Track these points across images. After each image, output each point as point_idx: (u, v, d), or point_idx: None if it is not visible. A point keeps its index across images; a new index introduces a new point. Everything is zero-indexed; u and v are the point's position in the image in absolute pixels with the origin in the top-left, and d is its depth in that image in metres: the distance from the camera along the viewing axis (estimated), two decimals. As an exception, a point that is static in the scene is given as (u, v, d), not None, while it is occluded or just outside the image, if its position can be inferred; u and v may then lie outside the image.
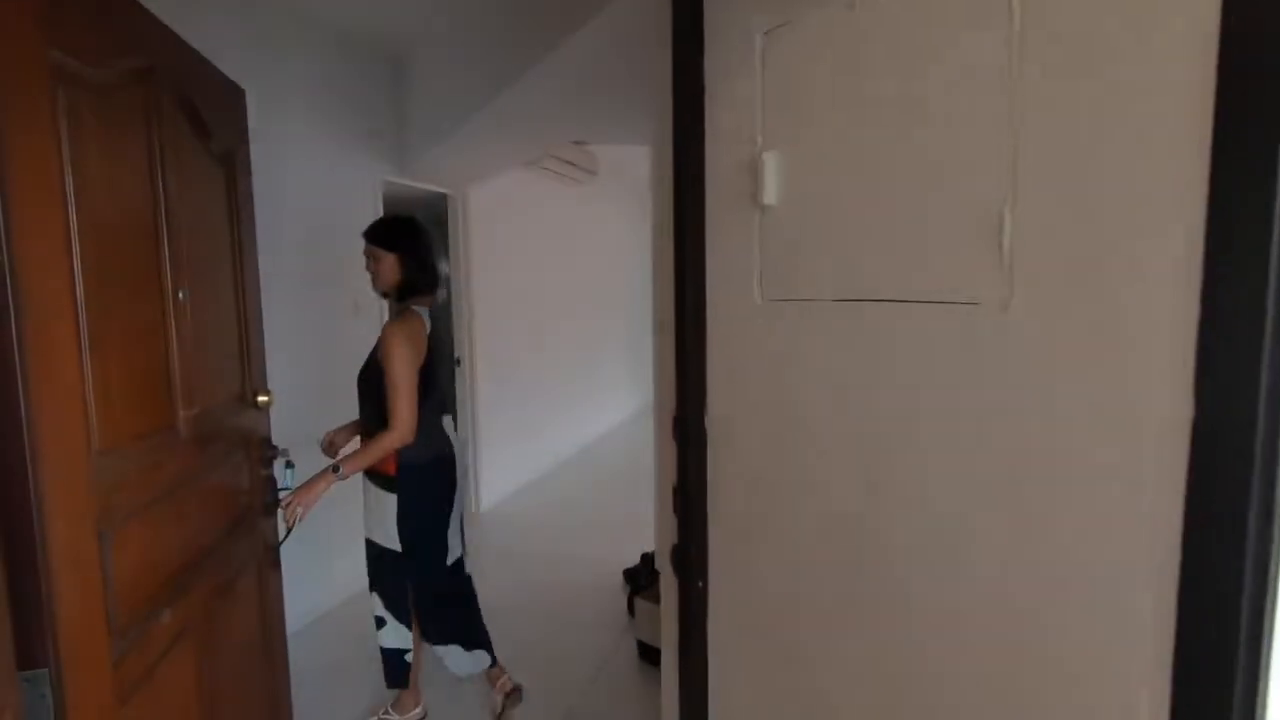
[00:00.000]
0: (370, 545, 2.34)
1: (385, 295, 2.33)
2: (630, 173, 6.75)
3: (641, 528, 4.25)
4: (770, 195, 1.13)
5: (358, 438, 2.37)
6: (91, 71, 1.15)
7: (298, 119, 3.14)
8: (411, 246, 2.26)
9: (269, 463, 1.92)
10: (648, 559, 3.51)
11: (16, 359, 0.98)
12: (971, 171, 0.86)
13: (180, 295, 1.41)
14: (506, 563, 4.13)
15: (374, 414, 2.23)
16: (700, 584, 1.36)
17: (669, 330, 1.36)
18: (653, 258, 3.53)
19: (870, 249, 0.99)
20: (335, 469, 2.09)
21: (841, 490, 1.07)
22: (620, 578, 3.70)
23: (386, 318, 2.42)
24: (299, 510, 2.01)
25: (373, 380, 2.21)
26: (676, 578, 1.42)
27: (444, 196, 4.47)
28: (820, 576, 1.13)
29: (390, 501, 2.25)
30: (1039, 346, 0.81)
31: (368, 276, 2.32)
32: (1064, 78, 0.78)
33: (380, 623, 2.37)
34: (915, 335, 0.93)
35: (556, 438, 6.18)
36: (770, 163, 1.12)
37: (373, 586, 2.37)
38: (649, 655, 2.86)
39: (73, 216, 1.08)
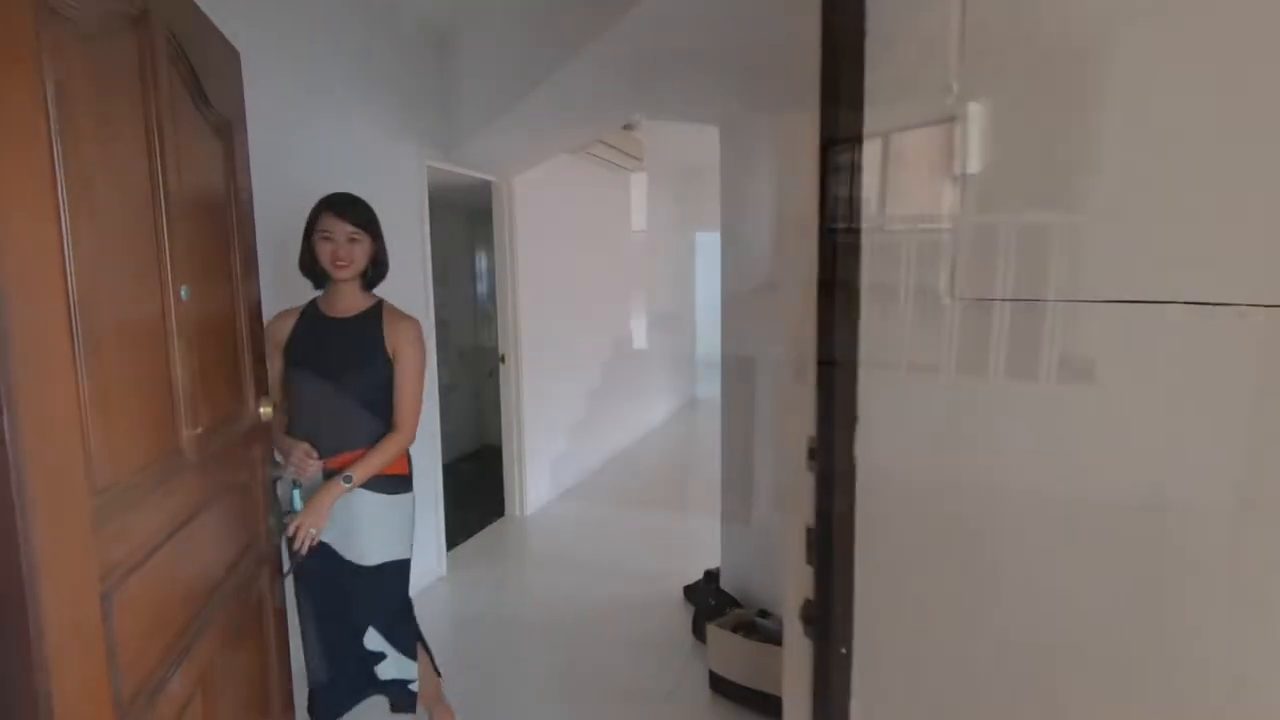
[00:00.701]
0: (366, 571, 1.97)
1: (318, 285, 1.99)
2: (676, 160, 6.48)
3: (695, 537, 4.01)
4: (973, 160, 0.85)
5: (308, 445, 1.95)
6: (77, 8, 0.90)
7: (338, 101, 2.91)
8: (380, 229, 2.00)
9: (273, 483, 1.68)
10: (711, 577, 3.24)
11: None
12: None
13: (182, 293, 1.18)
14: (552, 572, 3.91)
15: (372, 415, 1.94)
16: (843, 651, 1.10)
17: (803, 346, 1.09)
18: (722, 248, 3.27)
19: (1164, 229, 0.69)
20: (347, 479, 1.85)
21: (1071, 580, 0.78)
22: (679, 593, 3.44)
23: (321, 303, 2.00)
24: (311, 533, 1.79)
25: (378, 378, 1.94)
26: (810, 639, 1.15)
27: (488, 184, 4.23)
28: (1015, 692, 0.85)
29: (405, 503, 2.04)
30: None
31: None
32: None
33: (378, 657, 2.04)
34: (1249, 356, 0.64)
35: (601, 437, 5.95)
36: (975, 117, 0.84)
37: (368, 621, 2.02)
38: (724, 689, 2.58)
39: (63, 196, 0.84)
